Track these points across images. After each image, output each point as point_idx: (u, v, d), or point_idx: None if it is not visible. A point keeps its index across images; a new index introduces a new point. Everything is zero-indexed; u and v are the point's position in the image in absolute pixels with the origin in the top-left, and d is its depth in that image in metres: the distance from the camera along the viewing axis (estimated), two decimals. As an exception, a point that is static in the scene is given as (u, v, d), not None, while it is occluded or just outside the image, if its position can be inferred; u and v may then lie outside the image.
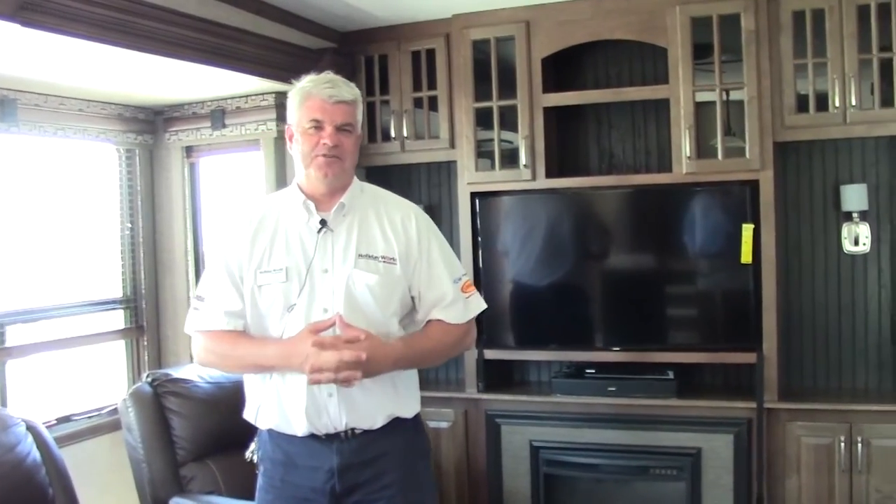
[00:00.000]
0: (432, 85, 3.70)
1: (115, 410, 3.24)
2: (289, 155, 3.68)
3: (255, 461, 2.19)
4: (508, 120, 3.61)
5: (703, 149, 3.36)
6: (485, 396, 3.63)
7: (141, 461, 2.96)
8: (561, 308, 3.63)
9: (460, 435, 3.64)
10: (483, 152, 3.68)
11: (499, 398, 3.63)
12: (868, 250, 3.41)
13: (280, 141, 3.77)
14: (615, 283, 3.62)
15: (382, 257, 2.05)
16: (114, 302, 3.84)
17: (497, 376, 3.73)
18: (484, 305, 2.20)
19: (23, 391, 3.29)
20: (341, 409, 2.00)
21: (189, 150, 3.95)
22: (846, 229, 3.43)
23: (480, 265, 3.65)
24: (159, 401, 3.04)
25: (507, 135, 3.64)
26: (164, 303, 3.97)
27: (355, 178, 2.14)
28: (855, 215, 3.39)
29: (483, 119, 3.64)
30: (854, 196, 3.36)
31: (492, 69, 3.57)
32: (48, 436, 2.78)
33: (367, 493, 2.04)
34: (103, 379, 3.80)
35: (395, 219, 2.10)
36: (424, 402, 2.23)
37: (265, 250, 2.05)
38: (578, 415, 3.48)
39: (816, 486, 3.19)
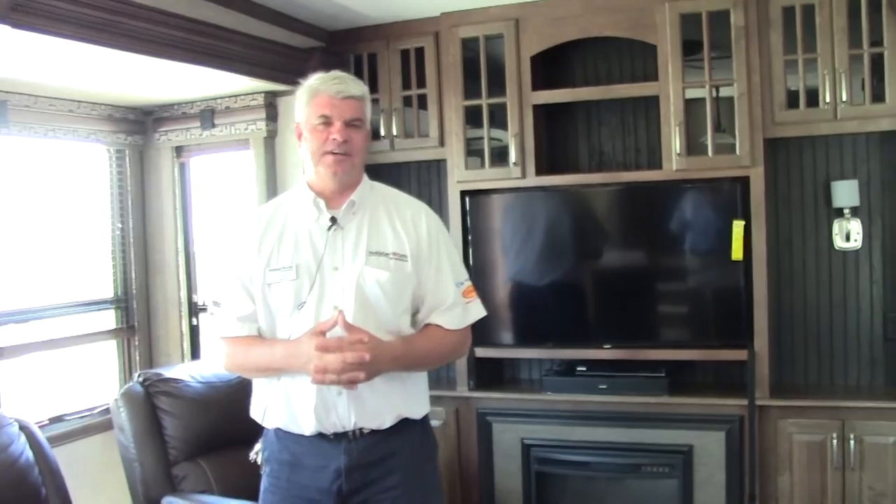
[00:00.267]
0: (421, 83, 3.70)
1: (107, 410, 3.24)
2: (278, 154, 3.80)
3: (260, 462, 2.17)
4: (498, 118, 3.61)
5: (693, 146, 3.36)
6: (476, 395, 3.63)
7: (133, 461, 2.97)
8: (552, 306, 3.63)
9: (452, 433, 3.64)
10: (473, 150, 3.67)
11: (490, 396, 3.63)
12: (859, 247, 3.40)
13: (270, 140, 3.77)
14: (606, 281, 3.62)
15: (393, 254, 2.04)
16: (105, 302, 3.85)
17: (488, 374, 3.73)
18: (483, 313, 2.18)
19: (15, 391, 3.29)
20: (350, 408, 1.99)
21: (179, 150, 3.95)
22: (837, 226, 3.42)
23: (470, 263, 3.64)
24: (151, 400, 3.05)
25: (496, 133, 3.64)
26: (155, 303, 3.98)
27: (365, 176, 2.13)
28: (846, 211, 3.39)
29: (472, 117, 3.63)
30: (845, 192, 3.35)
31: (481, 67, 3.57)
32: (41, 436, 2.78)
33: (373, 494, 2.03)
34: (95, 379, 3.80)
35: (405, 216, 2.10)
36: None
37: (273, 248, 2.04)
38: (570, 412, 3.48)
39: (809, 483, 3.18)
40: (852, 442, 3.11)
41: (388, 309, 2.03)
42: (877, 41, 3.12)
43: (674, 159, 3.34)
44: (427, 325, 2.10)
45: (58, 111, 3.44)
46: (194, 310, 3.99)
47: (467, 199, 3.66)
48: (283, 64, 3.48)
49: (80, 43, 2.60)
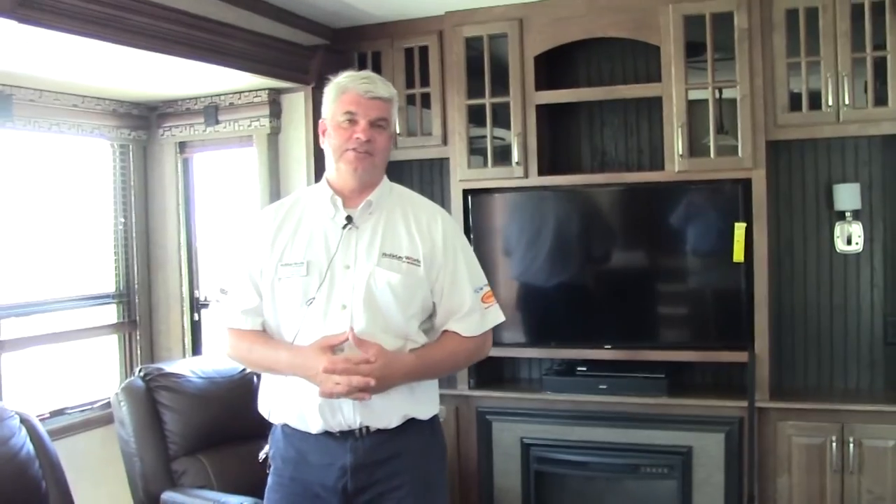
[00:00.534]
0: (425, 82, 3.71)
1: (107, 404, 3.26)
2: (282, 151, 3.81)
3: (268, 461, 2.16)
4: (501, 117, 3.61)
5: (695, 147, 3.36)
6: (476, 393, 3.64)
7: (133, 455, 2.98)
8: (553, 306, 3.63)
9: (451, 432, 3.63)
10: (475, 149, 3.68)
11: (490, 395, 3.63)
12: (860, 250, 3.40)
13: (273, 137, 3.78)
14: (607, 281, 3.62)
15: (406, 258, 2.03)
16: (107, 296, 3.86)
17: (488, 373, 3.73)
18: (501, 318, 2.16)
19: (17, 384, 3.30)
20: (356, 409, 1.98)
21: (182, 146, 3.96)
22: (839, 228, 3.41)
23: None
24: (151, 395, 3.06)
25: (499, 132, 3.64)
26: (157, 298, 3.99)
27: (385, 178, 2.12)
28: (848, 214, 3.38)
29: (476, 116, 3.64)
30: (847, 195, 3.35)
31: (485, 66, 3.57)
32: (42, 429, 2.80)
33: (379, 493, 2.03)
34: (96, 373, 3.81)
35: (421, 220, 2.09)
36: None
37: (287, 243, 2.04)
38: (569, 412, 3.48)
39: (808, 485, 3.18)
40: (851, 445, 3.11)
41: (396, 312, 2.01)
42: (880, 44, 3.12)
43: (676, 160, 3.34)
44: (444, 331, 2.09)
45: (62, 106, 3.45)
46: (196, 305, 4.00)
47: (470, 198, 3.66)
48: (286, 61, 3.49)
49: (84, 38, 2.61)
